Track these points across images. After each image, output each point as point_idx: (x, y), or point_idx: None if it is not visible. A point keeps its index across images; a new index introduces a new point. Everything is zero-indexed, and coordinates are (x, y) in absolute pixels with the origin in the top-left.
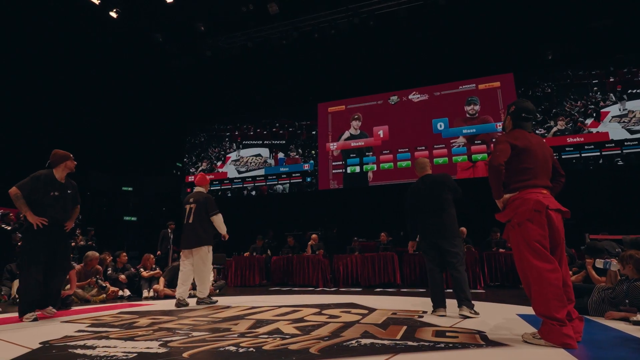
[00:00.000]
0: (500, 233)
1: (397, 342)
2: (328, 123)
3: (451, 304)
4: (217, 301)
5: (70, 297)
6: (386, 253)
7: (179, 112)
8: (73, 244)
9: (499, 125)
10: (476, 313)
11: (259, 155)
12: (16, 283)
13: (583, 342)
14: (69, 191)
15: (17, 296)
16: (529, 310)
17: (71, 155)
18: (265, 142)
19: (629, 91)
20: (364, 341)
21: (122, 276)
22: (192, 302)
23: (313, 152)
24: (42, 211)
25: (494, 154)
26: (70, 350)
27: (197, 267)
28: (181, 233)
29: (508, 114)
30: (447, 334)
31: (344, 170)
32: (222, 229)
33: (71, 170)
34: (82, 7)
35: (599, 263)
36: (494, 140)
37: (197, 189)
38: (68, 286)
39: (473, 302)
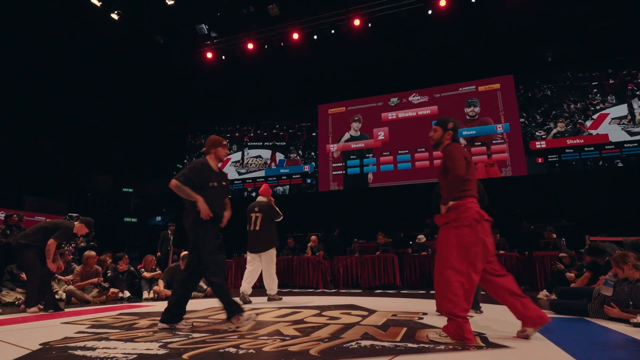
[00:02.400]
0: (500, 235)
1: (397, 343)
2: (328, 124)
3: None
4: (281, 298)
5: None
6: (386, 254)
7: (180, 113)
8: (73, 245)
9: (499, 127)
10: (481, 312)
11: (260, 156)
12: (9, 292)
13: (584, 344)
14: (223, 183)
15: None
16: None
17: (224, 142)
18: (265, 143)
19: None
20: (364, 343)
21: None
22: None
23: (313, 153)
24: None
25: (459, 164)
26: (70, 351)
27: (267, 266)
28: (248, 238)
29: (448, 130)
30: None
31: (344, 172)
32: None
33: (221, 159)
34: (84, 8)
35: (605, 290)
36: (493, 142)
37: (260, 198)
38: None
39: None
